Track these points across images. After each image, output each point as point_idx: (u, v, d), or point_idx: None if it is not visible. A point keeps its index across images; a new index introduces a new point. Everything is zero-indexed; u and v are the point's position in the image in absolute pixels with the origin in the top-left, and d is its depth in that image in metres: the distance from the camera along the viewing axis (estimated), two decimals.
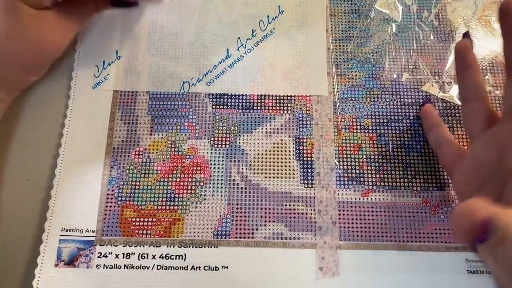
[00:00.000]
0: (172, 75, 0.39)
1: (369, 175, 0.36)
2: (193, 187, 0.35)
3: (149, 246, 0.34)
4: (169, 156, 0.36)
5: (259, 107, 0.38)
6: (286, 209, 0.35)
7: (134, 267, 0.33)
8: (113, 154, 0.36)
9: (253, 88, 0.38)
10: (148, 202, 0.35)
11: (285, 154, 0.36)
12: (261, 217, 0.35)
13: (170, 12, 0.41)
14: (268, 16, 0.41)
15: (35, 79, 0.36)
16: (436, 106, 0.38)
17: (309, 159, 0.36)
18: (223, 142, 0.37)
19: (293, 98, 0.38)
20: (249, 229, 0.34)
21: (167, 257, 0.33)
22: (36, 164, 0.36)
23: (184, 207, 0.35)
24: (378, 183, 0.36)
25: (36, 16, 0.31)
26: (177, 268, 0.33)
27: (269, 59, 0.39)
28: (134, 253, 0.33)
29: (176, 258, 0.33)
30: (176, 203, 0.35)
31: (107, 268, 0.33)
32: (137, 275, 0.33)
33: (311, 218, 0.35)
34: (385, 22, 0.41)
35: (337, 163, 0.36)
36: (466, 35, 0.33)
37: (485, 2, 0.42)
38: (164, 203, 0.35)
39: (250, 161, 0.36)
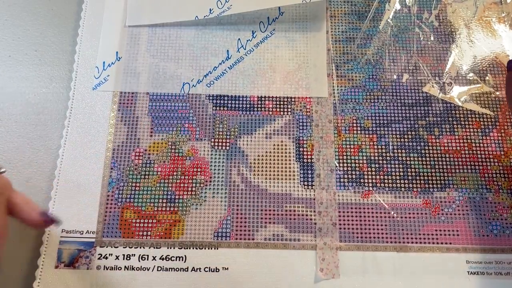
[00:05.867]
0: (172, 76, 0.39)
1: (369, 176, 0.36)
2: (194, 189, 0.35)
3: (149, 248, 0.34)
4: (169, 158, 0.36)
5: (259, 109, 0.38)
6: (286, 211, 0.35)
7: (135, 268, 0.33)
8: (113, 155, 0.36)
9: (253, 89, 0.38)
10: (148, 204, 0.35)
11: (285, 156, 0.36)
12: (261, 218, 0.35)
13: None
14: (268, 18, 0.41)
15: None
16: (436, 107, 0.38)
17: (309, 160, 0.36)
18: (224, 144, 0.37)
19: (293, 99, 0.38)
20: (249, 230, 0.34)
21: (167, 259, 0.33)
22: (37, 166, 0.36)
23: (185, 208, 0.35)
24: (378, 184, 0.36)
25: None
26: (177, 269, 0.33)
27: (269, 60, 0.39)
28: (134, 255, 0.33)
29: (176, 260, 0.33)
30: (177, 204, 0.35)
31: (107, 269, 0.33)
32: (137, 277, 0.33)
33: (311, 219, 0.35)
34: (385, 23, 0.41)
35: (337, 165, 0.36)
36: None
37: (485, 3, 0.42)
38: (164, 205, 0.35)
39: (250, 163, 0.36)
